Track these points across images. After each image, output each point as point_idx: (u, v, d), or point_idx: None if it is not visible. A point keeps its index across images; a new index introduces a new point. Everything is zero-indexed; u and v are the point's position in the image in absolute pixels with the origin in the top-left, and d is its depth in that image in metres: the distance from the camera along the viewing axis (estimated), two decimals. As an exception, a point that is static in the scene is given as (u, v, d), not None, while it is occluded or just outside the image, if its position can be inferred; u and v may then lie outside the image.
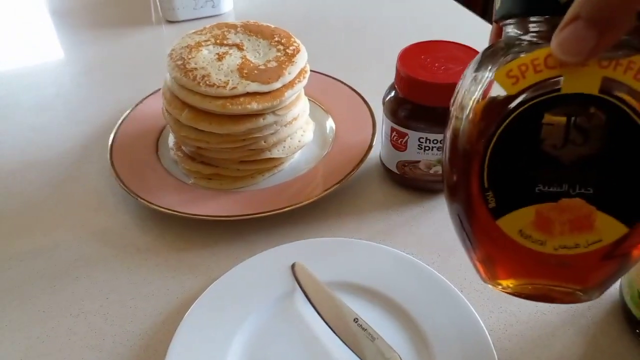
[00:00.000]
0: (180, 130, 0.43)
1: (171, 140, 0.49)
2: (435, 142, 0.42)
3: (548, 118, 0.20)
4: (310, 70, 0.46)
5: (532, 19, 0.21)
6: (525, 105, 0.20)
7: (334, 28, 0.72)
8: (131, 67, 0.65)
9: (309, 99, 0.50)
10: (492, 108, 0.21)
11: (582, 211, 0.21)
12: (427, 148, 0.42)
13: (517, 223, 0.22)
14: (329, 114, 0.52)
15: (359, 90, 0.54)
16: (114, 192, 0.47)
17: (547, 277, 0.23)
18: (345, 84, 0.55)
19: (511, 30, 0.23)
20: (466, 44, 0.42)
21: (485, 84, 0.21)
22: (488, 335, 0.33)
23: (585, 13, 0.18)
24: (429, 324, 0.34)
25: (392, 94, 0.43)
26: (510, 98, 0.20)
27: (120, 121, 0.51)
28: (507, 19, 0.22)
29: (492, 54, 0.22)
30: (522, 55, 0.20)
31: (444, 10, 0.76)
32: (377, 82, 0.48)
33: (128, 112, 0.52)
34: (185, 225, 0.43)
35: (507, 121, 0.20)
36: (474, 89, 0.22)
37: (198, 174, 0.45)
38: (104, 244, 0.42)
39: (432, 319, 0.35)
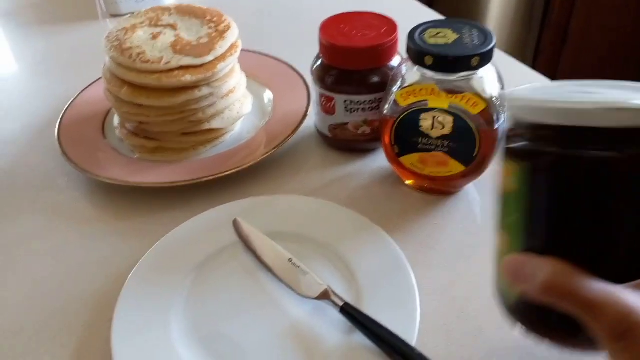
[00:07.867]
0: (121, 107, 0.46)
1: (116, 120, 0.51)
2: (359, 103, 0.46)
3: (422, 116, 0.40)
4: (247, 50, 0.49)
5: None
6: (409, 110, 0.40)
7: (268, 13, 0.75)
8: (77, 59, 0.67)
9: (247, 76, 0.54)
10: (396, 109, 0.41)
11: (442, 158, 0.41)
12: (352, 110, 0.46)
13: (409, 160, 0.43)
14: (267, 88, 0.56)
15: (295, 67, 0.57)
16: (64, 172, 0.49)
17: (428, 182, 0.44)
18: (280, 60, 0.58)
19: None
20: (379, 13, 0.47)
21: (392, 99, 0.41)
22: (407, 263, 0.37)
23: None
24: (356, 260, 0.38)
25: (319, 62, 0.47)
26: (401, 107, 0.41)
27: (66, 107, 0.53)
28: None
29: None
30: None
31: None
32: (310, 58, 0.51)
33: (74, 98, 0.55)
34: (132, 196, 0.46)
35: (402, 115, 0.41)
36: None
37: (142, 148, 0.48)
38: (55, 217, 0.45)
39: (360, 255, 0.38)
